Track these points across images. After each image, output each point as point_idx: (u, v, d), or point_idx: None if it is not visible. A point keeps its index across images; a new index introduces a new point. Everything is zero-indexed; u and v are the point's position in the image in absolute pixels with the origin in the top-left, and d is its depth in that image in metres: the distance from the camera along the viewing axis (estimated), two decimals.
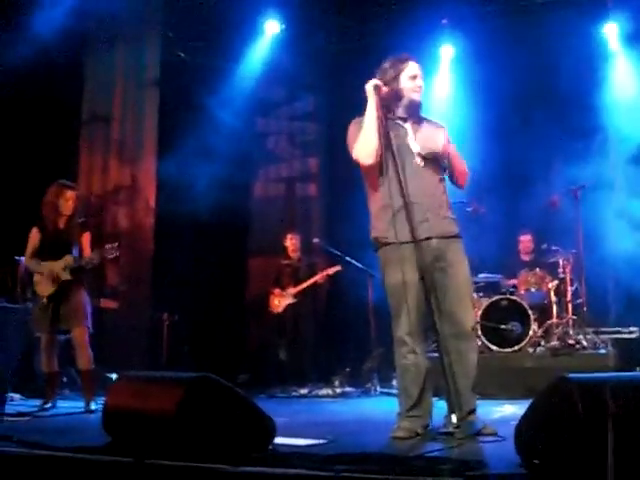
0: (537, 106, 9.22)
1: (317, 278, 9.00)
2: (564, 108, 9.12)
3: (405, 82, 4.26)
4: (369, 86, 4.18)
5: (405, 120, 4.31)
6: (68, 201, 6.22)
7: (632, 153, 8.59)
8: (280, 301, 9.00)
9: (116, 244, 6.07)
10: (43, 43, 8.22)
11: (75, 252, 6.19)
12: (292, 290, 8.99)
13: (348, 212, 9.64)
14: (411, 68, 4.27)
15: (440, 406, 4.22)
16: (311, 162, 11.37)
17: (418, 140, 4.25)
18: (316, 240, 9.16)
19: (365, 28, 10.39)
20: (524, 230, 9.06)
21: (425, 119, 4.40)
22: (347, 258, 8.48)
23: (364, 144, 4.17)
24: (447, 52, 10.32)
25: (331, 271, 8.94)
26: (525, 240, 9.03)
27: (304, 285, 8.99)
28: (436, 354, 4.17)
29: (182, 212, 9.00)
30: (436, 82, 10.11)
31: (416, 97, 4.28)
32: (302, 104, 11.43)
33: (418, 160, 4.21)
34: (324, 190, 11.20)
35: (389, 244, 4.17)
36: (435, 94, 9.88)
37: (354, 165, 4.30)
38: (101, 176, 9.45)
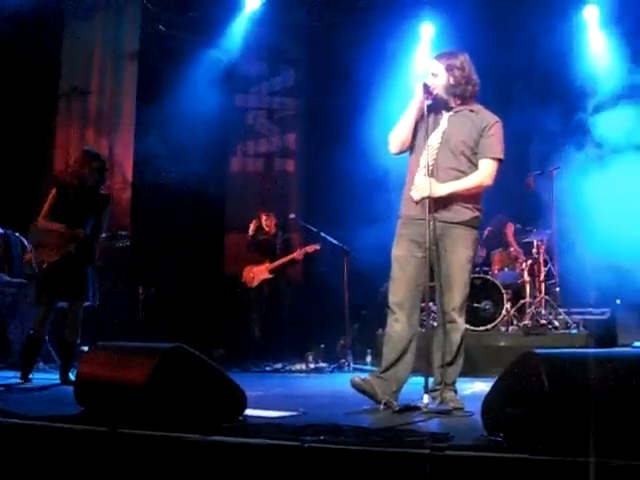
0: (516, 86, 9.25)
1: (295, 255, 8.95)
2: (543, 88, 9.15)
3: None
4: (418, 85, 4.43)
5: (449, 109, 4.49)
6: (93, 171, 6.04)
7: (608, 134, 8.63)
8: (255, 276, 8.97)
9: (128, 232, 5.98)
10: (20, 13, 8.12)
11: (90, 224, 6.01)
12: (268, 265, 8.95)
13: (325, 189, 9.69)
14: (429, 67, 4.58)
15: (416, 383, 4.31)
16: (289, 138, 11.35)
17: (447, 131, 4.42)
18: (292, 216, 9.13)
19: (346, 4, 10.32)
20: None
21: (474, 112, 4.48)
22: (323, 234, 8.50)
23: (394, 134, 4.56)
24: (427, 30, 10.29)
25: (310, 249, 8.86)
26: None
27: (281, 261, 8.94)
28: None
29: (159, 186, 8.94)
30: (416, 60, 10.10)
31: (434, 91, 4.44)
32: (282, 79, 11.37)
33: (439, 149, 4.38)
34: (302, 166, 11.19)
35: (399, 218, 4.51)
36: (415, 72, 9.86)
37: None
38: (78, 148, 9.35)
